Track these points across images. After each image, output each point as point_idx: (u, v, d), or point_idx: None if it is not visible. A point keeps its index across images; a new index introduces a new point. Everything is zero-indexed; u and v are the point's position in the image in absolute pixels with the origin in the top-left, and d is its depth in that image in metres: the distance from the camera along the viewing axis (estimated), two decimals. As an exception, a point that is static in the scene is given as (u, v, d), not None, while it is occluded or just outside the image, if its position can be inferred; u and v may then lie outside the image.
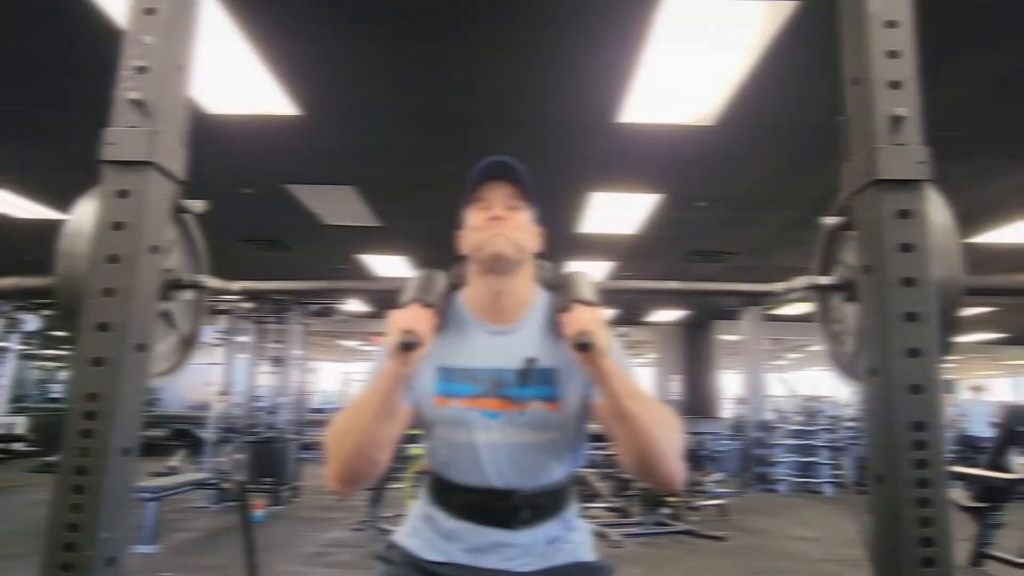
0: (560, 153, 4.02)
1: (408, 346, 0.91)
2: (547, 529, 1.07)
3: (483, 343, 1.08)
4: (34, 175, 4.58)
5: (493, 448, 1.03)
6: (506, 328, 1.09)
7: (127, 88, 0.93)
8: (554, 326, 1.06)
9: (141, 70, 0.94)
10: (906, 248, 0.88)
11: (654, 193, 4.70)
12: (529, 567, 1.04)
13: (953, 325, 0.94)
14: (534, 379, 1.04)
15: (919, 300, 0.87)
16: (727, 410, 11.55)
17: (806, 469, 8.53)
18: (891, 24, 0.92)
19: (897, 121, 0.90)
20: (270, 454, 6.38)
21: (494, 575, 1.04)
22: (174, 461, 7.58)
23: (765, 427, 8.93)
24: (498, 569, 1.04)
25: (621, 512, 5.76)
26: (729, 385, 12.37)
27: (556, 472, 1.08)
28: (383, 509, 4.96)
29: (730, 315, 10.36)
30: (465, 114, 3.51)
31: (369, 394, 0.97)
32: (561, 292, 1.07)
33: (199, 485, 5.65)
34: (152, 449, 9.39)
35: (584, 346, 0.92)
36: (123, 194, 0.91)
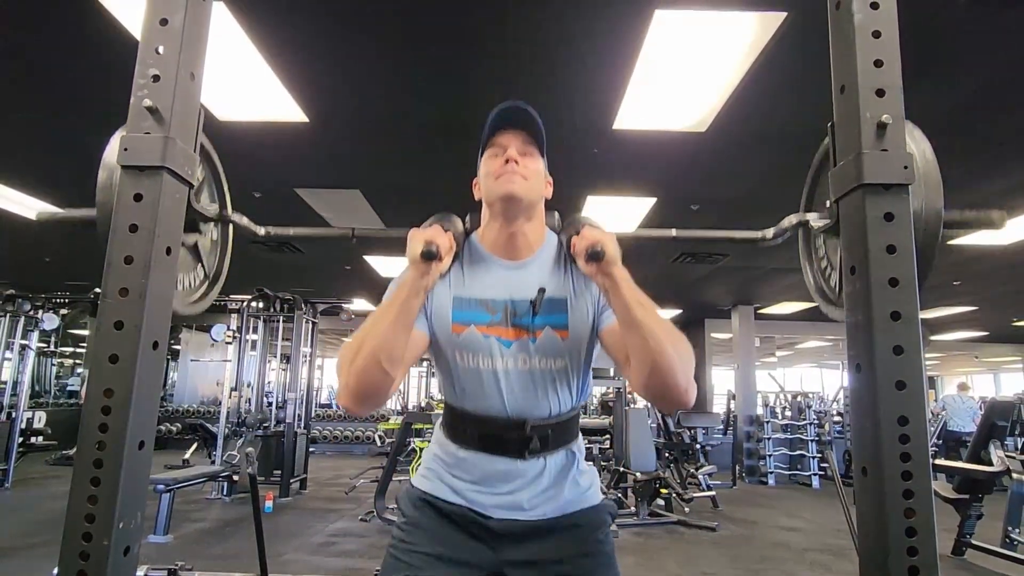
0: (559, 158, 3.99)
1: (429, 255, 0.93)
2: (555, 459, 1.08)
3: (497, 276, 1.11)
4: (53, 179, 4.58)
5: (507, 374, 1.05)
6: (519, 263, 1.12)
7: (142, 96, 0.93)
8: (564, 261, 1.11)
9: (155, 78, 0.94)
10: (891, 250, 0.88)
11: (648, 197, 4.70)
12: (538, 509, 1.05)
13: (932, 256, 0.94)
14: (545, 308, 1.07)
15: (903, 300, 0.87)
16: (719, 405, 11.56)
17: (794, 462, 8.55)
18: (877, 34, 0.93)
19: (882, 127, 0.90)
20: (279, 448, 6.39)
21: (507, 523, 1.04)
22: (187, 454, 7.60)
23: (755, 422, 8.94)
24: (511, 519, 1.04)
25: (617, 503, 5.76)
26: (721, 381, 12.38)
27: (565, 402, 1.09)
28: (388, 500, 4.96)
29: (722, 314, 10.37)
30: (467, 121, 3.51)
31: (388, 304, 0.98)
32: (568, 226, 1.10)
33: (211, 477, 5.65)
34: (166, 443, 9.42)
35: (596, 255, 0.94)
36: (138, 198, 0.91)
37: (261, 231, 1.18)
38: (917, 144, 0.97)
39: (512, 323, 1.07)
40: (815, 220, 1.11)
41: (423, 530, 1.05)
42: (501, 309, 1.08)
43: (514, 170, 1.06)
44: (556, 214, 1.21)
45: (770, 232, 1.15)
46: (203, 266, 1.20)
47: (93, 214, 1.00)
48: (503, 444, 1.06)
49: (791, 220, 1.14)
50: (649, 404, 8.99)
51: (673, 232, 1.22)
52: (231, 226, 1.18)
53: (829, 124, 1.00)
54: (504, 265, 1.12)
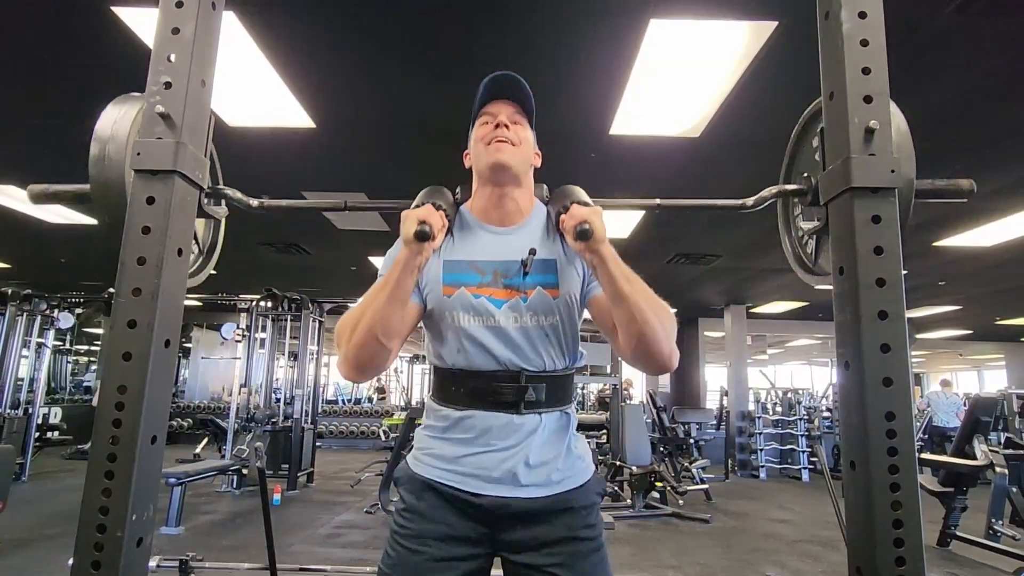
0: (556, 163, 4.01)
1: (422, 235, 0.93)
2: (551, 417, 1.06)
3: (487, 240, 1.11)
4: (67, 182, 4.58)
5: (499, 331, 1.04)
6: (508, 228, 1.12)
7: (154, 102, 0.94)
8: (552, 227, 1.10)
9: (167, 85, 0.95)
10: (878, 251, 0.88)
11: (642, 199, 4.70)
12: (535, 481, 1.02)
13: (904, 223, 0.94)
14: (535, 268, 1.07)
15: (890, 299, 0.87)
16: (712, 401, 11.56)
17: (785, 456, 8.55)
18: (864, 43, 0.93)
19: (870, 133, 0.91)
20: (287, 442, 6.38)
21: (502, 503, 1.01)
22: (198, 449, 7.60)
23: (747, 417, 8.94)
24: (505, 497, 1.01)
25: (613, 496, 5.76)
26: (714, 378, 12.38)
27: (557, 359, 1.08)
28: (393, 493, 4.96)
29: (715, 313, 10.37)
30: (467, 125, 3.51)
31: (383, 282, 0.99)
32: (557, 199, 1.10)
33: (221, 471, 5.65)
34: (178, 438, 9.43)
35: (584, 233, 0.95)
36: (150, 201, 0.91)
37: (255, 203, 1.16)
38: (892, 117, 0.97)
39: (503, 284, 1.06)
40: (791, 188, 1.13)
41: (423, 516, 1.03)
42: (491, 271, 1.07)
43: (504, 136, 1.06)
44: (544, 186, 1.21)
45: (750, 200, 1.15)
46: (197, 241, 1.19)
47: (87, 188, 0.99)
48: (499, 397, 1.03)
49: (771, 190, 1.14)
50: (645, 402, 8.98)
51: (657, 201, 1.22)
52: (223, 200, 1.17)
53: (819, 129, 1.00)
54: (494, 231, 1.12)
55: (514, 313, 1.05)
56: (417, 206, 1.04)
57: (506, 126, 1.07)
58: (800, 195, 1.10)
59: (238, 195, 1.15)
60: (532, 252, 1.06)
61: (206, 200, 1.08)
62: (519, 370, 1.04)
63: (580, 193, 1.08)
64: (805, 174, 1.09)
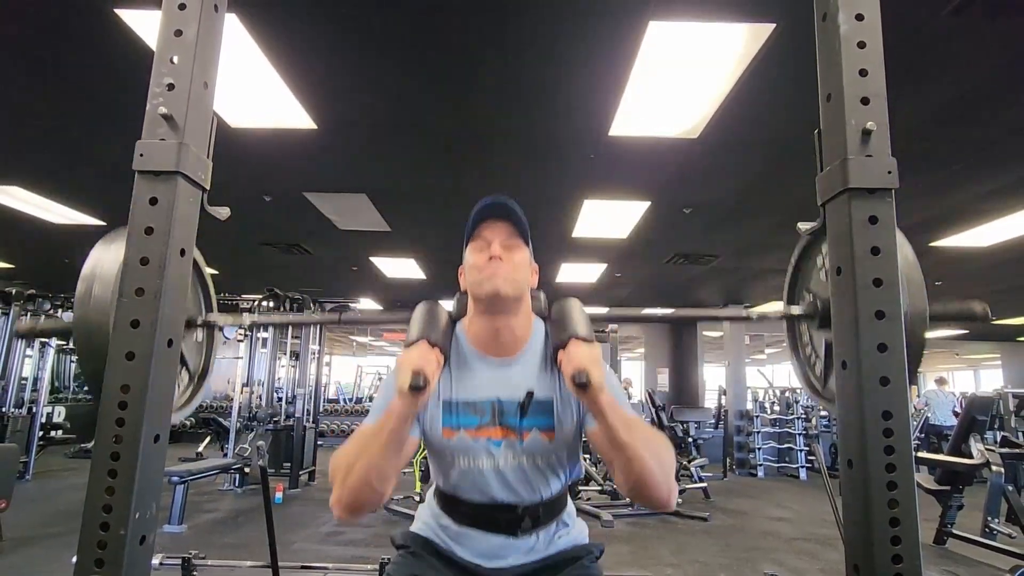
0: (557, 164, 4.02)
1: (417, 388, 0.90)
2: (546, 532, 1.09)
3: (485, 375, 1.08)
4: (72, 183, 4.58)
5: (497, 472, 1.05)
6: (506, 360, 1.09)
7: (157, 104, 0.94)
8: (551, 357, 1.06)
9: (170, 87, 0.94)
10: (875, 251, 0.88)
11: (643, 200, 4.70)
12: (532, 557, 1.07)
13: (920, 353, 0.93)
14: (532, 409, 1.05)
15: (887, 299, 0.87)
16: (710, 401, 11.56)
17: (783, 455, 8.55)
18: (862, 45, 0.93)
19: (867, 134, 0.90)
20: (289, 441, 6.38)
21: (501, 572, 1.06)
22: (201, 447, 7.60)
23: (745, 416, 8.94)
24: (504, 567, 1.06)
25: (612, 494, 5.76)
26: (712, 377, 12.37)
27: (554, 486, 1.09)
28: (394, 491, 4.96)
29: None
30: (469, 128, 3.51)
31: (378, 429, 0.96)
32: (556, 327, 1.06)
33: (223, 470, 5.66)
34: (180, 436, 9.42)
35: (582, 385, 0.91)
36: (153, 201, 0.91)
37: (247, 321, 1.17)
38: (899, 247, 0.94)
39: (500, 423, 1.05)
40: (798, 311, 1.09)
41: (421, 558, 1.08)
42: (489, 410, 1.06)
43: (498, 267, 1.03)
44: (542, 296, 1.17)
45: (754, 314, 1.16)
46: (188, 369, 1.16)
47: (70, 325, 0.98)
48: (495, 523, 1.06)
49: (776, 310, 1.12)
50: (644, 401, 8.98)
51: (663, 311, 1.24)
52: (215, 329, 1.17)
53: (816, 131, 1.00)
54: (491, 363, 1.09)
55: (511, 451, 1.05)
56: (411, 341, 1.00)
57: (500, 256, 1.04)
58: (807, 318, 1.07)
59: (229, 321, 1.15)
60: (530, 395, 1.04)
61: (197, 328, 1.11)
62: (516, 504, 1.06)
63: (578, 322, 1.03)
64: (810, 296, 1.07)
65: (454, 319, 1.14)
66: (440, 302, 1.13)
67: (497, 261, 1.03)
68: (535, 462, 1.05)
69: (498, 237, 1.06)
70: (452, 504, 1.10)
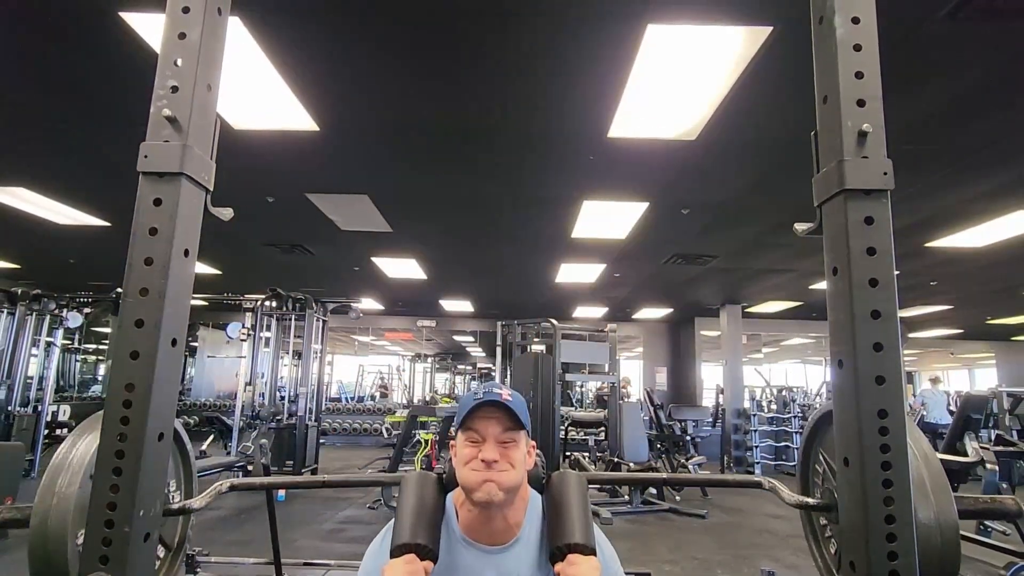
0: (556, 166, 4.02)
1: None
2: None
3: (475, 565, 1.02)
4: (77, 186, 4.58)
5: None
6: (498, 548, 1.03)
7: (161, 106, 0.94)
8: (546, 547, 1.02)
9: (174, 89, 0.94)
10: (871, 251, 0.88)
11: (641, 201, 4.70)
12: None
13: (956, 569, 0.87)
14: None
15: (883, 299, 0.87)
16: (708, 399, 11.56)
17: (779, 453, 8.55)
18: (857, 48, 0.93)
19: (863, 136, 0.90)
20: (291, 439, 6.38)
21: None
22: (204, 446, 7.59)
23: (742, 415, 8.94)
24: None
25: (612, 492, 5.76)
26: (710, 376, 12.36)
27: None
28: (395, 490, 4.96)
29: (711, 312, 10.37)
30: (470, 130, 3.51)
31: None
32: (553, 521, 1.02)
33: (227, 467, 5.65)
34: (184, 435, 9.41)
35: None
36: (157, 202, 0.91)
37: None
38: (918, 445, 0.92)
39: None
40: (813, 502, 1.06)
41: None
42: None
43: (491, 474, 0.97)
44: (538, 463, 1.12)
45: (765, 484, 1.12)
46: (164, 543, 1.14)
47: (28, 514, 0.94)
48: None
49: (792, 498, 1.08)
50: (642, 400, 8.97)
51: (664, 475, 1.20)
52: (191, 516, 1.15)
53: (812, 133, 1.00)
54: (483, 550, 1.03)
55: None
56: (399, 543, 0.95)
57: (495, 460, 0.98)
58: (825, 510, 1.03)
59: (203, 502, 1.11)
60: None
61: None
62: None
63: (576, 522, 0.99)
64: (825, 486, 1.04)
65: (446, 487, 1.09)
66: (430, 475, 1.09)
67: (491, 464, 0.97)
68: None
69: (492, 433, 0.99)
70: None
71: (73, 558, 0.88)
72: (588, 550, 0.96)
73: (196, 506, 1.09)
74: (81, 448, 0.96)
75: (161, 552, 1.12)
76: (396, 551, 0.95)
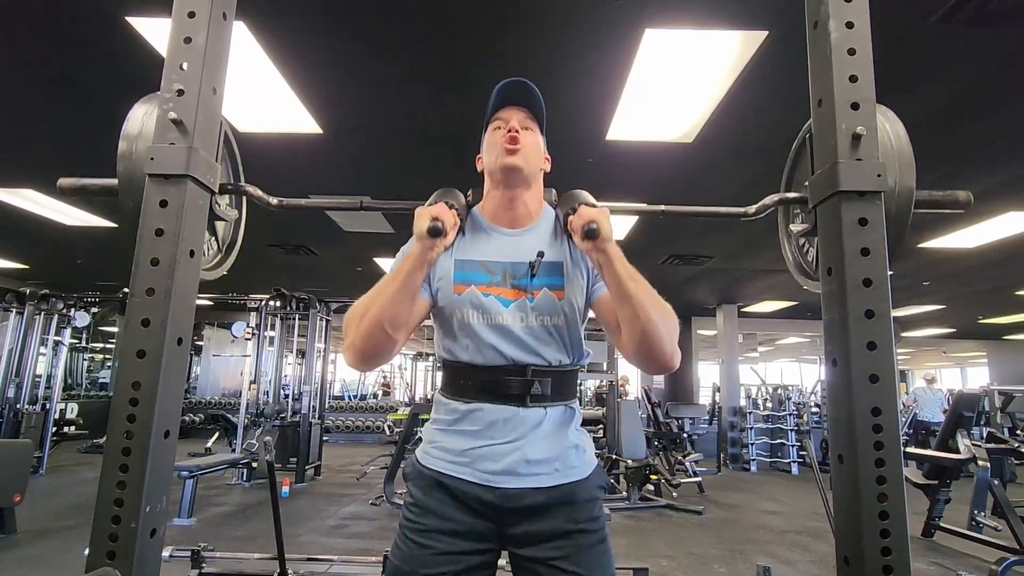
0: (556, 167, 3.99)
1: (435, 231, 0.93)
2: (555, 411, 1.06)
3: (497, 242, 1.11)
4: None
5: (506, 330, 1.04)
6: (518, 231, 1.12)
7: (167, 109, 0.94)
8: (560, 230, 1.10)
9: (180, 93, 0.95)
10: (865, 252, 0.88)
11: (639, 203, 4.70)
12: (537, 472, 1.01)
13: (904, 232, 0.94)
14: (542, 270, 1.07)
15: (877, 299, 0.87)
16: (704, 397, 11.56)
17: (775, 450, 8.55)
18: (852, 51, 0.93)
19: (857, 138, 0.91)
20: (295, 437, 6.38)
21: (508, 495, 1.00)
22: (209, 443, 7.60)
23: (738, 412, 8.94)
24: (512, 488, 1.00)
25: (609, 489, 5.76)
26: (706, 375, 12.37)
27: (562, 357, 1.08)
28: (398, 486, 4.96)
29: (707, 312, 10.37)
30: (470, 132, 3.50)
31: (393, 274, 0.99)
32: (565, 201, 1.09)
33: (231, 464, 5.65)
34: (190, 432, 9.43)
35: (591, 232, 0.95)
36: (163, 204, 0.91)
37: (274, 201, 1.15)
38: (891, 124, 0.97)
39: (511, 284, 1.07)
40: (793, 195, 1.12)
41: (432, 512, 1.02)
42: (500, 271, 1.07)
43: (515, 141, 1.06)
44: (553, 191, 1.21)
45: (752, 208, 1.14)
46: (217, 239, 1.20)
47: (115, 183, 1.00)
48: (506, 390, 1.03)
49: (772, 198, 1.13)
50: (640, 398, 8.97)
51: (662, 207, 1.21)
52: (244, 197, 1.17)
53: (807, 135, 1.00)
54: (504, 232, 1.12)
55: (520, 312, 1.05)
56: (431, 205, 1.03)
57: (517, 131, 1.07)
58: (802, 203, 1.09)
59: (259, 193, 1.15)
60: (540, 255, 1.06)
61: (219, 203, 1.08)
62: (525, 365, 1.04)
63: (587, 196, 1.07)
64: (806, 183, 1.08)
65: (470, 204, 1.17)
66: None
67: (515, 137, 1.06)
68: (544, 322, 1.05)
69: (517, 118, 1.09)
70: (460, 377, 1.06)
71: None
72: (598, 206, 1.02)
73: (250, 190, 1.14)
74: (147, 118, 1.00)
75: (215, 246, 1.20)
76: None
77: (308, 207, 1.23)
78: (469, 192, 1.18)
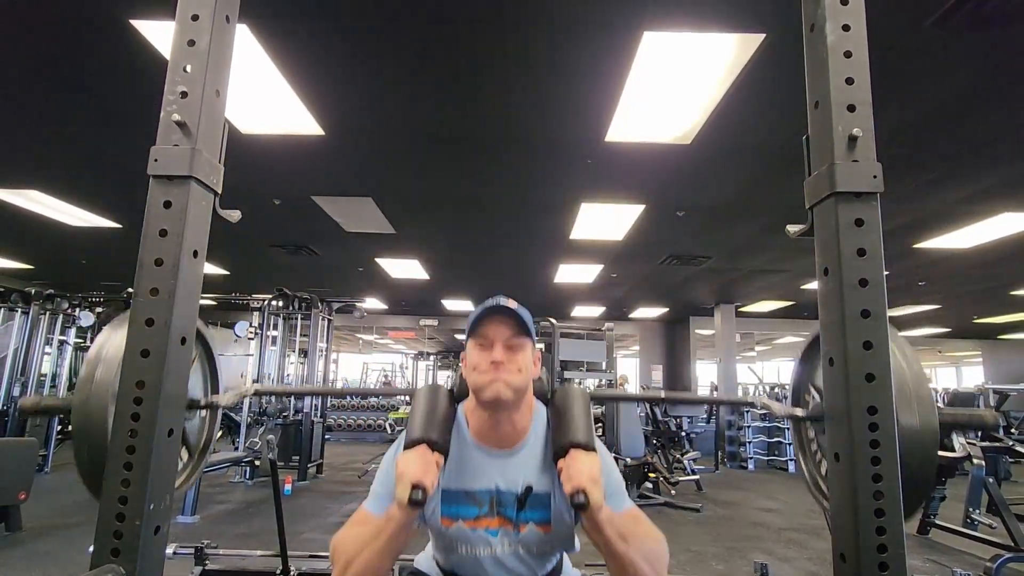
0: (555, 169, 4.02)
1: (415, 503, 0.89)
2: None
3: (484, 465, 1.05)
4: (89, 187, 4.58)
5: (494, 559, 1.04)
6: (506, 452, 1.06)
7: (171, 111, 0.94)
8: (551, 449, 1.04)
9: (183, 95, 0.94)
10: (861, 252, 0.88)
11: (638, 204, 4.70)
12: None
13: (931, 477, 0.87)
14: (530, 503, 1.03)
15: (872, 299, 0.87)
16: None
17: (772, 449, 8.55)
18: (848, 54, 0.93)
19: (853, 140, 0.90)
20: (297, 435, 6.38)
21: None
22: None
23: (736, 411, 8.93)
24: None
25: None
26: (704, 374, 12.37)
27: (549, 564, 1.09)
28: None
29: (705, 312, 10.37)
30: (471, 134, 3.51)
31: (376, 532, 0.94)
32: (557, 425, 1.03)
33: (234, 463, 5.65)
34: (193, 430, 9.40)
35: (580, 506, 0.90)
36: (167, 205, 0.91)
37: (251, 390, 1.17)
38: (903, 352, 0.93)
39: (498, 513, 1.03)
40: (802, 413, 1.06)
41: None
42: (487, 500, 1.04)
43: (500, 372, 0.99)
44: (544, 377, 1.14)
45: (758, 403, 1.13)
46: (187, 447, 1.14)
47: (72, 405, 0.97)
48: None
49: (781, 409, 1.09)
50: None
51: (663, 394, 1.20)
52: (219, 410, 1.16)
53: (804, 137, 1.00)
54: (491, 454, 1.06)
55: (507, 540, 1.03)
56: (412, 439, 0.97)
57: (502, 361, 0.99)
58: (814, 420, 1.04)
59: (228, 399, 1.13)
60: (528, 489, 1.02)
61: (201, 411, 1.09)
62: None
63: (579, 424, 1.00)
64: (816, 397, 1.04)
65: (456, 398, 1.11)
66: (441, 386, 1.11)
67: (500, 365, 0.99)
68: (531, 551, 1.04)
69: (500, 338, 1.01)
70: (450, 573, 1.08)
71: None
72: (589, 448, 0.97)
73: (222, 403, 1.11)
74: (115, 341, 0.98)
75: (185, 456, 1.13)
76: (409, 445, 0.97)
77: (279, 392, 1.21)
78: (454, 386, 1.11)
